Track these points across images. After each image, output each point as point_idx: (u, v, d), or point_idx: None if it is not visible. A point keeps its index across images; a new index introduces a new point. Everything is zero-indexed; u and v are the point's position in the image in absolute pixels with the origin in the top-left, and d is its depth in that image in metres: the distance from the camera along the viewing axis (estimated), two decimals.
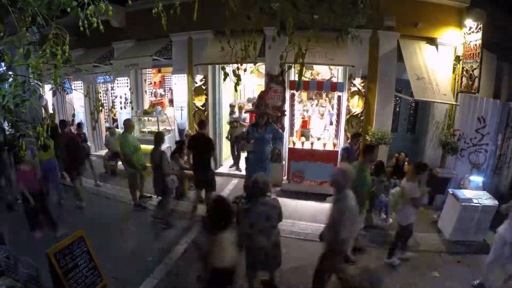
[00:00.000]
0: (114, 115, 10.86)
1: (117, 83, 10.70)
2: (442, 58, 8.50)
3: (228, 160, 11.01)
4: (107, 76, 10.42)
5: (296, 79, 8.50)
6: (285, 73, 8.66)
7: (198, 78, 9.61)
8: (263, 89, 9.29)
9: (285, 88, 8.90)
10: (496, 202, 6.48)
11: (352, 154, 7.63)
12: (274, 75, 8.88)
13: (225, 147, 10.87)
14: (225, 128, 10.49)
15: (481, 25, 7.62)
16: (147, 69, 11.43)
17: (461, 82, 8.36)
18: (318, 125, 9.26)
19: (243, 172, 8.66)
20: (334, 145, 8.79)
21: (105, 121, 12.35)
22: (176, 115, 10.17)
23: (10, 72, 3.52)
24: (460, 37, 8.33)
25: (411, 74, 7.79)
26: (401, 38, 8.39)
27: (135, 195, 7.93)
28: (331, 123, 9.26)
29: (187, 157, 7.81)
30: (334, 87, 8.60)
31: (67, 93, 11.35)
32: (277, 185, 8.90)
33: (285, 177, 9.15)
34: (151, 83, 12.09)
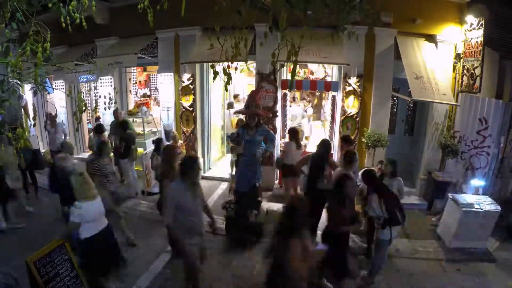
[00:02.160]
0: (98, 116, 10.78)
1: (101, 82, 10.62)
2: (441, 56, 8.47)
3: (217, 163, 10.98)
4: (90, 75, 10.43)
5: (289, 78, 8.70)
6: (277, 72, 8.61)
7: (186, 77, 9.56)
8: (253, 88, 9.24)
9: (277, 88, 8.85)
10: (499, 208, 6.49)
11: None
12: (265, 74, 8.84)
13: (214, 149, 10.87)
14: (214, 129, 10.46)
15: (483, 21, 7.57)
16: (132, 68, 11.35)
17: (462, 81, 8.34)
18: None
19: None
20: None
21: (88, 122, 12.26)
22: (162, 116, 10.12)
23: None
24: (461, 34, 8.30)
25: (409, 73, 7.75)
26: (398, 35, 8.37)
27: None
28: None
29: None
30: (328, 86, 8.63)
31: (48, 93, 11.25)
32: (268, 190, 8.88)
33: (276, 181, 9.15)
34: (136, 82, 12.01)
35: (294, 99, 10.21)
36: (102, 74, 10.24)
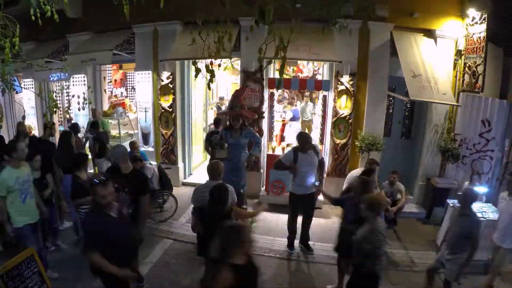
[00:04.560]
0: (69, 118, 10.58)
1: (73, 81, 10.40)
2: (441, 52, 8.38)
3: (198, 168, 10.79)
4: (61, 73, 10.13)
5: (276, 76, 8.65)
6: (263, 70, 8.51)
7: (165, 75, 9.39)
8: (238, 87, 9.10)
9: (264, 87, 8.72)
10: None
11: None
12: (251, 72, 8.69)
13: (195, 153, 10.77)
14: (196, 132, 10.30)
15: (486, 15, 7.44)
16: (107, 65, 11.15)
17: (463, 80, 8.23)
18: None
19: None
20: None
21: (60, 124, 12.05)
22: (140, 117, 9.92)
23: None
24: (462, 29, 8.19)
25: (406, 70, 7.65)
26: (394, 30, 8.26)
27: None
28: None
29: None
30: (318, 85, 8.44)
31: (16, 92, 11.02)
32: (254, 197, 8.72)
33: (263, 188, 9.00)
34: (111, 81, 11.88)
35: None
36: (74, 72, 10.01)
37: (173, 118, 9.57)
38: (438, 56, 8.27)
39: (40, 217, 5.31)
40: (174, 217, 7.85)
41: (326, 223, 7.86)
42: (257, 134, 7.55)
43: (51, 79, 10.69)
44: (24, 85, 11.02)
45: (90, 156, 8.80)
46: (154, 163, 8.47)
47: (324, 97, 8.72)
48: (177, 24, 9.12)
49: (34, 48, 10.93)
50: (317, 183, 6.33)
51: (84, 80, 10.36)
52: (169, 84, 9.41)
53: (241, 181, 6.93)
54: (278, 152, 8.68)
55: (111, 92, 11.77)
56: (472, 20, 7.82)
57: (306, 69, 9.46)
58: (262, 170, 9.06)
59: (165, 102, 9.51)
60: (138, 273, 4.93)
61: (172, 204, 7.93)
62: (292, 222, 6.66)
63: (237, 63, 9.73)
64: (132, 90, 11.75)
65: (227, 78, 11.58)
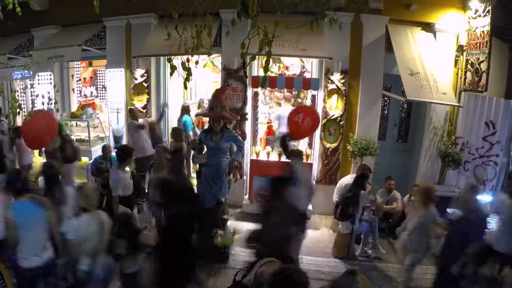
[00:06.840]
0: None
1: (38, 80, 10.21)
2: (441, 48, 8.29)
3: None
4: (25, 71, 9.76)
5: (260, 74, 8.47)
6: (246, 67, 8.30)
7: (139, 73, 9.22)
8: (219, 86, 8.94)
9: (247, 86, 8.51)
10: None
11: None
12: (233, 70, 8.48)
13: None
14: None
15: (490, 7, 7.29)
16: (75, 62, 11.08)
17: (465, 78, 8.11)
18: None
19: None
20: (308, 156, 8.40)
21: None
22: (111, 119, 9.68)
23: None
24: (464, 22, 8.07)
25: (403, 68, 7.58)
26: (390, 24, 8.15)
27: None
28: None
29: None
30: (307, 84, 8.20)
31: None
32: (236, 206, 8.61)
33: (246, 196, 8.82)
34: (80, 80, 11.74)
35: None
36: (40, 69, 9.79)
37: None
38: (438, 52, 8.18)
39: None
40: (149, 227, 7.46)
41: (315, 235, 7.63)
42: (239, 137, 7.29)
43: (14, 77, 10.49)
44: None
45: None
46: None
47: (313, 97, 8.53)
48: (152, 17, 9.04)
49: None
50: None
51: (51, 79, 10.19)
52: (144, 83, 9.27)
53: (222, 189, 6.71)
54: (263, 157, 8.46)
55: (80, 91, 11.72)
56: (475, 13, 7.68)
57: (293, 66, 9.21)
58: (245, 177, 8.83)
59: (139, 102, 9.33)
60: None
61: (146, 214, 7.53)
62: None
63: (217, 59, 9.62)
64: (103, 89, 11.65)
65: (207, 76, 11.51)
